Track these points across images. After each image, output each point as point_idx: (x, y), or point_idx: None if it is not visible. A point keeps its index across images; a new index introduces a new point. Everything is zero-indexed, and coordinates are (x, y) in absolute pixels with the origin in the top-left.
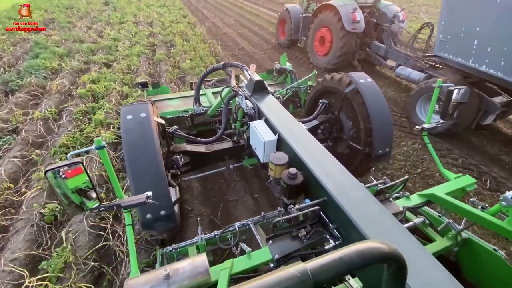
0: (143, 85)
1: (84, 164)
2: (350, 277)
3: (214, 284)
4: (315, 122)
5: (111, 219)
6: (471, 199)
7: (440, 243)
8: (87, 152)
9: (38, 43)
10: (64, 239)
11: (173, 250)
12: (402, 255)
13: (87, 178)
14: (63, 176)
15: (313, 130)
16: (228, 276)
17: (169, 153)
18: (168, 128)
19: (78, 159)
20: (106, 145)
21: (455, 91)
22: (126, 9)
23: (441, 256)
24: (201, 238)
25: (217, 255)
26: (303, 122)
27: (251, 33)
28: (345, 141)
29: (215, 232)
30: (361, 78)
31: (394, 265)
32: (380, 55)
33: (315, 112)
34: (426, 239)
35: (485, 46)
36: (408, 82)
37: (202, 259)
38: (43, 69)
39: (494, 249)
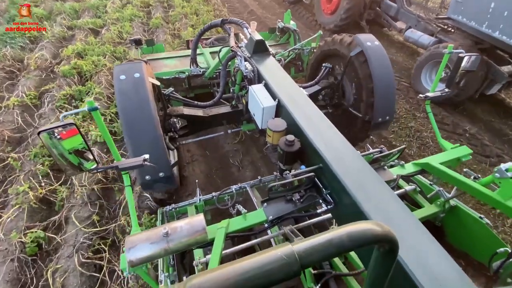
0: (137, 42)
1: (77, 126)
2: None
3: (211, 241)
4: (316, 88)
5: (107, 251)
6: (465, 169)
7: (428, 209)
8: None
9: (15, 2)
10: (50, 283)
11: (173, 209)
12: (395, 236)
13: (82, 140)
14: (58, 137)
15: (314, 96)
16: (224, 234)
17: (166, 116)
18: (164, 90)
19: (70, 120)
20: (99, 106)
21: (465, 58)
22: None
23: (427, 221)
24: (200, 199)
25: (215, 214)
26: (304, 88)
27: None
28: (346, 108)
29: (213, 193)
30: (368, 40)
31: (387, 246)
32: (390, 15)
33: (317, 77)
34: (415, 205)
35: (502, 10)
36: (416, 47)
37: (199, 218)
38: (19, 37)
39: (480, 217)
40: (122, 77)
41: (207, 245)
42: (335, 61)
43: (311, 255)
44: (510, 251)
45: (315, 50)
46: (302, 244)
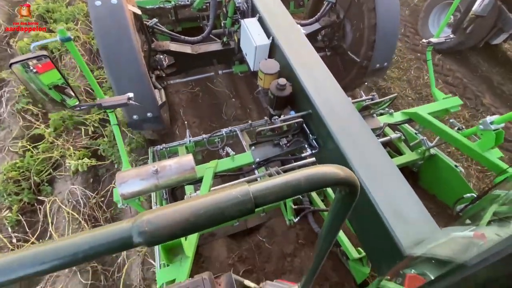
0: None
1: (52, 58)
2: None
3: (200, 179)
4: (316, 26)
5: None
6: (450, 120)
7: (408, 156)
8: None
9: None
10: None
11: (163, 149)
12: (356, 179)
13: (60, 75)
14: (34, 70)
15: (312, 36)
16: (213, 173)
17: (151, 51)
18: (147, 21)
19: (43, 52)
20: (72, 36)
21: (477, 2)
22: None
23: (406, 168)
24: (190, 140)
25: (206, 156)
26: (303, 25)
27: None
28: (344, 52)
29: (203, 135)
30: None
31: (347, 189)
32: None
33: (318, 14)
34: (398, 153)
35: None
36: None
37: (188, 158)
38: None
39: (455, 165)
40: (97, 3)
41: (197, 182)
42: None
43: (265, 196)
44: (475, 196)
45: None
46: (258, 185)
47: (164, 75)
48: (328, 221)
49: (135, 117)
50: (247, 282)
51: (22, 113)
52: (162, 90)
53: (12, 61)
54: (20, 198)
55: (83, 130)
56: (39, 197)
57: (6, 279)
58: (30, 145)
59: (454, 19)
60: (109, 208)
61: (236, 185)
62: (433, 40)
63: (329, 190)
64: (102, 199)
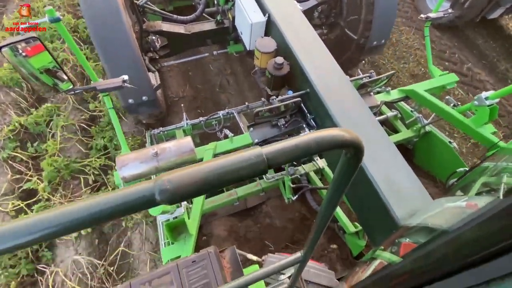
0: None
1: (42, 40)
2: (319, 158)
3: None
4: (313, 2)
5: None
6: (447, 97)
7: (404, 134)
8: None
9: None
10: None
11: (161, 132)
12: (361, 141)
13: (51, 58)
14: (24, 54)
15: (309, 12)
16: (212, 155)
17: (143, 32)
18: (137, 0)
19: (33, 33)
20: (61, 16)
21: None
22: None
23: (401, 145)
24: (187, 123)
25: (203, 138)
26: (299, 1)
27: None
28: (342, 29)
29: (201, 118)
30: None
31: (352, 151)
32: None
33: None
34: (394, 131)
35: None
36: None
37: (187, 140)
38: None
39: (450, 142)
40: None
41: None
42: None
43: (277, 156)
44: (467, 169)
45: None
46: (270, 147)
47: (157, 57)
48: (332, 186)
49: (130, 101)
50: (250, 256)
51: (10, 162)
52: (157, 73)
53: (1, 44)
54: (18, 271)
55: (82, 180)
56: (38, 266)
57: (39, 235)
58: (22, 203)
59: None
60: (120, 275)
61: (249, 149)
62: (432, 15)
63: (327, 169)
64: (112, 267)
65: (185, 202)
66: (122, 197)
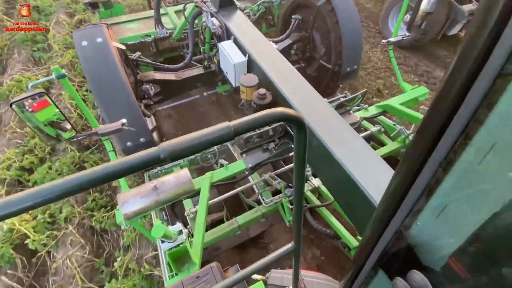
0: (93, 6)
1: (49, 95)
2: (313, 178)
3: (198, 192)
4: (288, 42)
5: None
6: (422, 106)
7: (390, 146)
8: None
9: None
10: None
11: (159, 171)
12: (302, 117)
13: (57, 110)
14: (30, 110)
15: (286, 51)
16: (209, 184)
17: (137, 82)
18: (131, 55)
19: (40, 89)
20: (66, 73)
21: (424, 0)
22: None
23: (390, 157)
24: (183, 160)
25: (200, 173)
26: (276, 42)
27: None
28: (317, 61)
29: (197, 154)
30: None
31: (296, 125)
32: None
33: (288, 30)
34: (381, 145)
35: None
36: None
37: (185, 172)
38: None
39: None
40: (84, 43)
41: (195, 195)
42: (304, 12)
43: (240, 127)
44: None
45: (284, 2)
46: (236, 122)
47: (152, 103)
48: (295, 161)
49: (128, 143)
50: (254, 276)
51: None
52: (152, 117)
53: (12, 101)
54: None
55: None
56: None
57: (60, 193)
58: None
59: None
60: None
61: (219, 124)
62: (392, 39)
63: (323, 187)
64: None
65: (186, 230)
66: (136, 158)
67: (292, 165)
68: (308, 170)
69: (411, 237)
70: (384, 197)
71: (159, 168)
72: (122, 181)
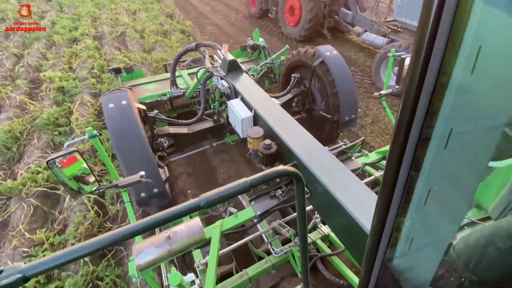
0: (117, 71)
1: (80, 152)
2: (322, 225)
3: (208, 241)
4: (289, 96)
5: None
6: None
7: None
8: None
9: None
10: None
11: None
12: (299, 173)
13: (83, 165)
14: (60, 165)
15: (288, 104)
16: (219, 233)
17: (153, 137)
18: (149, 113)
19: (73, 148)
20: (98, 133)
21: (407, 59)
22: (79, 7)
23: None
24: None
25: (209, 222)
26: (278, 97)
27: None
28: (317, 111)
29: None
30: (328, 51)
31: (295, 178)
32: (347, 22)
33: (288, 87)
34: None
35: None
36: (373, 48)
37: (196, 220)
38: None
39: None
40: (110, 106)
41: (205, 245)
42: (302, 70)
43: (255, 181)
44: None
45: (284, 62)
46: (252, 178)
47: (165, 155)
48: (297, 210)
49: (143, 194)
50: None
51: None
52: (165, 168)
53: (48, 158)
54: None
55: None
56: None
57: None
58: None
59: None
60: None
61: (241, 180)
62: (383, 92)
63: (333, 234)
64: None
65: (198, 281)
66: (183, 207)
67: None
68: (317, 217)
69: (394, 268)
70: (370, 234)
71: None
72: None
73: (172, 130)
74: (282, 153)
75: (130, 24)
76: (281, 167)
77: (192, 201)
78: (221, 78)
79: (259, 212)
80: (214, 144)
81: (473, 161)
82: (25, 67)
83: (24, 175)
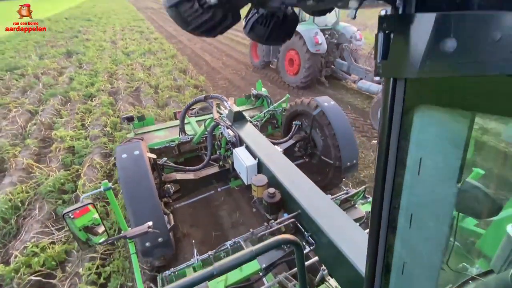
0: (129, 119)
1: (95, 205)
2: (330, 277)
3: None
4: (291, 142)
5: None
6: None
7: None
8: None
9: None
10: None
11: (172, 273)
12: (298, 240)
13: (94, 215)
14: (72, 216)
15: (290, 149)
16: (224, 286)
17: (161, 183)
18: (159, 160)
19: (89, 200)
20: (112, 186)
21: None
22: (97, 63)
23: None
24: (197, 259)
25: None
26: (280, 143)
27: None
28: (319, 156)
29: (209, 252)
30: (325, 101)
31: (294, 246)
32: (343, 71)
33: (290, 133)
34: None
35: None
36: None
37: None
38: None
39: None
40: (124, 156)
41: None
42: (303, 118)
43: (260, 250)
44: None
45: (286, 109)
46: (257, 247)
47: (171, 201)
48: (299, 274)
49: (147, 244)
50: None
51: None
52: (171, 215)
53: (64, 211)
54: None
55: None
56: None
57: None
58: None
59: None
60: None
61: (247, 249)
62: None
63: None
64: None
65: None
66: (197, 275)
67: (307, 262)
68: (324, 269)
69: None
70: (367, 263)
71: (172, 269)
72: (140, 285)
73: (179, 176)
74: (286, 202)
75: (145, 79)
76: (281, 236)
77: (206, 270)
78: (227, 128)
79: (264, 265)
80: (219, 189)
81: (443, 186)
82: (38, 125)
83: (18, 259)
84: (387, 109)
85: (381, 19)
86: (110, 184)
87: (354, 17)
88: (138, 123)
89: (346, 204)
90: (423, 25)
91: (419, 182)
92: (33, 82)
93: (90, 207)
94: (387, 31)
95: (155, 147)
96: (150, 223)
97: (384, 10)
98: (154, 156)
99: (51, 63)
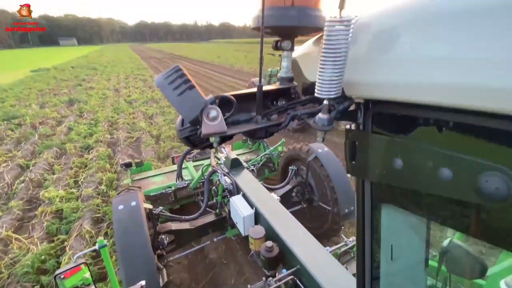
0: (127, 165)
1: (88, 265)
2: None
3: None
4: (288, 187)
5: None
6: None
7: None
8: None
9: None
10: None
11: None
12: None
13: (85, 275)
14: (62, 277)
15: (287, 194)
16: None
17: (155, 234)
18: (154, 210)
19: (82, 260)
20: (107, 243)
21: None
22: (99, 112)
23: None
24: None
25: None
26: (278, 189)
27: None
28: (317, 202)
29: None
30: (319, 148)
31: None
32: None
33: (287, 179)
34: None
35: None
36: None
37: None
38: None
39: None
40: (120, 207)
41: None
42: (298, 163)
43: None
44: None
45: (282, 154)
46: None
47: (164, 254)
48: None
49: None
50: None
51: None
52: (164, 270)
53: (56, 272)
54: None
55: None
56: None
57: None
58: None
59: None
60: None
61: None
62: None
63: None
64: None
65: None
66: None
67: None
68: None
69: None
70: None
71: None
72: None
73: (174, 226)
74: (285, 256)
75: (147, 129)
76: None
77: None
78: (224, 175)
79: None
80: (215, 239)
81: (414, 271)
82: (26, 182)
83: None
84: (360, 203)
85: (347, 131)
86: (105, 242)
87: (323, 140)
88: (135, 169)
89: (346, 257)
90: (378, 143)
91: (392, 267)
92: (29, 132)
93: (82, 266)
94: (352, 141)
95: (151, 194)
96: (143, 283)
97: (349, 124)
98: (150, 206)
99: (51, 111)
